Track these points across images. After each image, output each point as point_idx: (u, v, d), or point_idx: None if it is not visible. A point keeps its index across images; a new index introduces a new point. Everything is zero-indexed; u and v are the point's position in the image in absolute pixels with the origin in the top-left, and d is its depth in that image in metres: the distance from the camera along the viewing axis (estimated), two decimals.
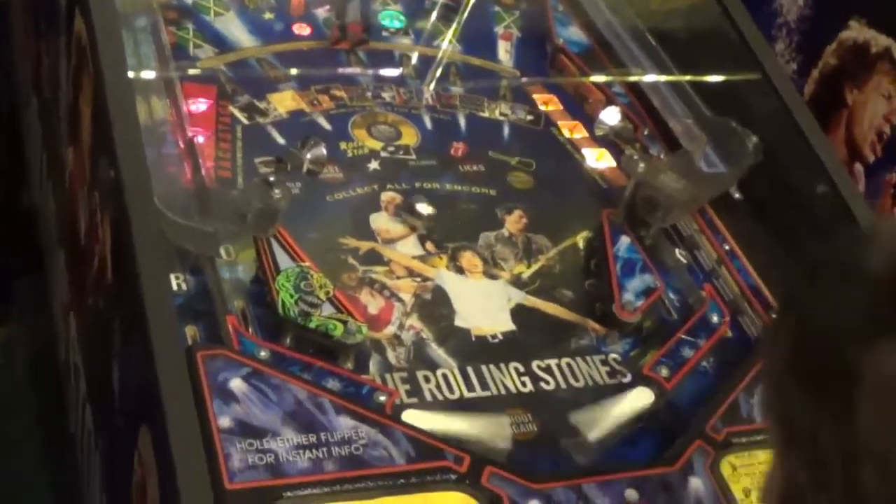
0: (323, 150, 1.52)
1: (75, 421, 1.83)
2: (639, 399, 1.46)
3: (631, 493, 1.31)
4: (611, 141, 1.73)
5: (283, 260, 1.49)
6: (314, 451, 1.26)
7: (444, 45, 1.92)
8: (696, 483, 1.33)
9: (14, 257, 2.70)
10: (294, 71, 1.81)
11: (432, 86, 1.89)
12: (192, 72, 1.76)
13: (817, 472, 0.74)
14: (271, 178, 1.48)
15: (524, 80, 1.92)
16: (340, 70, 1.87)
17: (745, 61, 1.79)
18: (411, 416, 1.37)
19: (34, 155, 2.24)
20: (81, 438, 1.76)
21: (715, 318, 1.56)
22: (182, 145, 1.61)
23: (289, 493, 1.22)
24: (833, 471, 0.73)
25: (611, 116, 1.67)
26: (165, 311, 1.30)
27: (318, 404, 1.29)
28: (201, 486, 1.17)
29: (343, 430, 1.28)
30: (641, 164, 1.62)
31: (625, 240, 1.63)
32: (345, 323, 1.43)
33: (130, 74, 1.54)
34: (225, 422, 1.25)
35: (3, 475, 2.16)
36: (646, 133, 1.81)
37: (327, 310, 1.44)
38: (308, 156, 1.52)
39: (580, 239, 1.68)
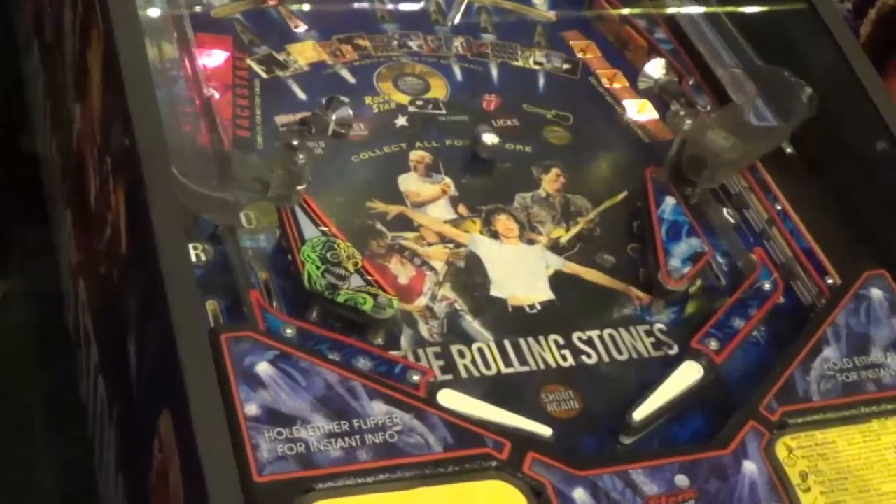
0: (349, 111, 1.51)
1: (86, 389, 1.84)
2: (687, 374, 1.44)
3: (681, 479, 1.31)
4: (656, 95, 1.72)
5: (308, 227, 1.48)
6: (347, 439, 1.25)
7: None
8: (749, 467, 1.33)
9: (13, 206, 2.70)
10: (307, 7, 1.79)
11: (457, 20, 1.87)
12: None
13: None
14: (294, 142, 1.47)
15: (554, 15, 1.90)
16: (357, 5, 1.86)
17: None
18: (446, 397, 1.37)
19: (36, 101, 2.23)
20: (94, 409, 1.77)
21: (767, 285, 1.55)
22: (198, 103, 1.60)
23: (321, 485, 1.22)
24: None
25: (655, 69, 1.66)
26: (187, 289, 1.29)
27: (349, 388, 1.29)
28: (229, 480, 1.17)
29: (377, 417, 1.28)
30: (687, 121, 1.60)
31: (670, 200, 1.62)
32: (375, 296, 1.43)
33: (141, 24, 1.53)
34: (252, 409, 1.25)
35: (7, 440, 2.16)
36: (691, 83, 1.79)
37: (355, 281, 1.44)
38: (333, 117, 1.51)
39: (622, 200, 1.67)
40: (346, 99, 1.53)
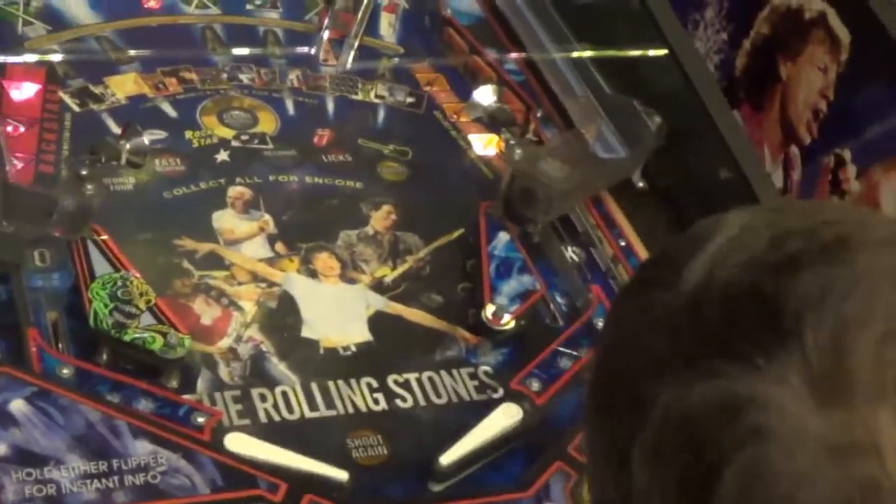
0: (145, 140, 1.54)
1: None
2: (503, 417, 1.46)
3: None
4: (486, 124, 1.74)
5: (102, 265, 1.50)
6: (104, 480, 1.27)
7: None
8: None
9: None
10: (134, 53, 1.82)
11: (348, 65, 1.91)
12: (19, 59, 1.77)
13: None
14: (83, 172, 1.49)
15: (397, 60, 1.93)
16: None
17: (651, 35, 1.80)
18: (235, 441, 1.38)
19: None
20: None
21: (602, 323, 1.57)
22: None
23: None
24: None
25: (484, 96, 1.68)
26: None
27: (112, 427, 1.30)
28: None
29: (139, 456, 1.29)
30: (518, 151, 1.63)
31: (503, 236, 1.64)
32: (164, 335, 1.44)
33: None
34: (0, 449, 1.26)
35: None
36: (539, 115, 1.81)
37: (146, 320, 1.45)
38: (127, 146, 1.53)
39: (457, 237, 1.69)
40: (146, 130, 1.56)
